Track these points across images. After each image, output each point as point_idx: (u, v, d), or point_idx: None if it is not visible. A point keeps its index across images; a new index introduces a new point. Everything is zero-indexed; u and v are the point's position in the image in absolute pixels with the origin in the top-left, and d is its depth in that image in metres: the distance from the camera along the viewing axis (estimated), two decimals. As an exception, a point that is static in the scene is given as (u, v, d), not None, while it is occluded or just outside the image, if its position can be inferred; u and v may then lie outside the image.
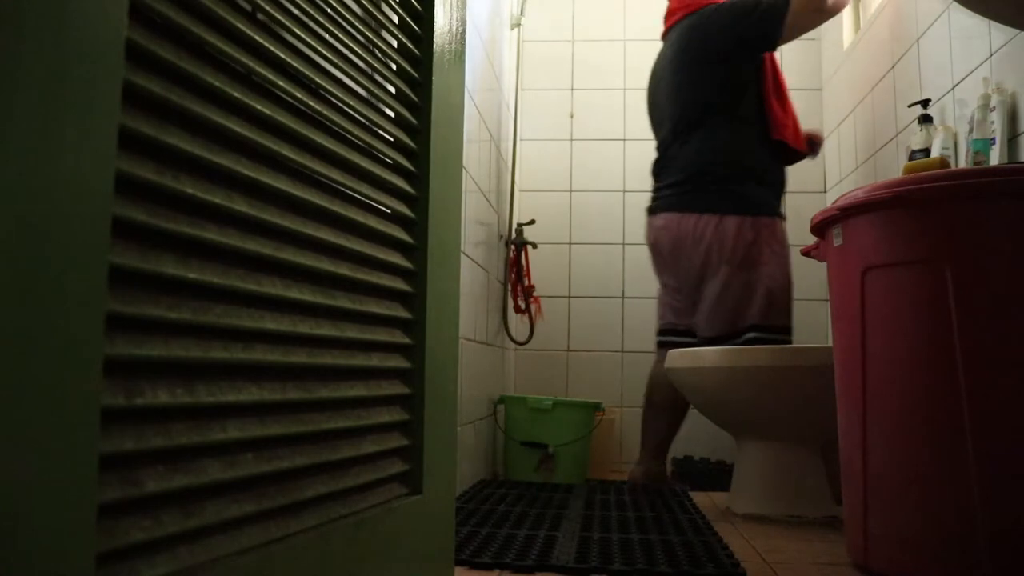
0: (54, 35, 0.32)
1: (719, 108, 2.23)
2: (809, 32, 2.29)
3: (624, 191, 3.06)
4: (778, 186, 2.30)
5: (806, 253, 1.52)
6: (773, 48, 2.24)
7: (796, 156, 2.33)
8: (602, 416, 2.61)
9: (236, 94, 0.47)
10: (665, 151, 2.35)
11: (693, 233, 2.20)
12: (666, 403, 2.29)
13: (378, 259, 0.68)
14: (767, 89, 2.26)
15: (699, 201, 2.22)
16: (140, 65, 0.40)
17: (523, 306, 2.83)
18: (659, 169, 2.37)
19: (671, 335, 2.31)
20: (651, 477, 2.28)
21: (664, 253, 2.30)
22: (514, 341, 2.76)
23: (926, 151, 1.91)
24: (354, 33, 0.64)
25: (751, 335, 2.12)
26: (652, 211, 2.34)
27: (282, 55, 0.53)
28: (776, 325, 2.15)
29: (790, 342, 2.18)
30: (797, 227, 2.98)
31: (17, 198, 0.30)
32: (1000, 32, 1.66)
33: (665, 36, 2.42)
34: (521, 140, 3.08)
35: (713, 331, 2.18)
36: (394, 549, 0.68)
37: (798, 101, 3.06)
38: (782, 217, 2.27)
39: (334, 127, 0.62)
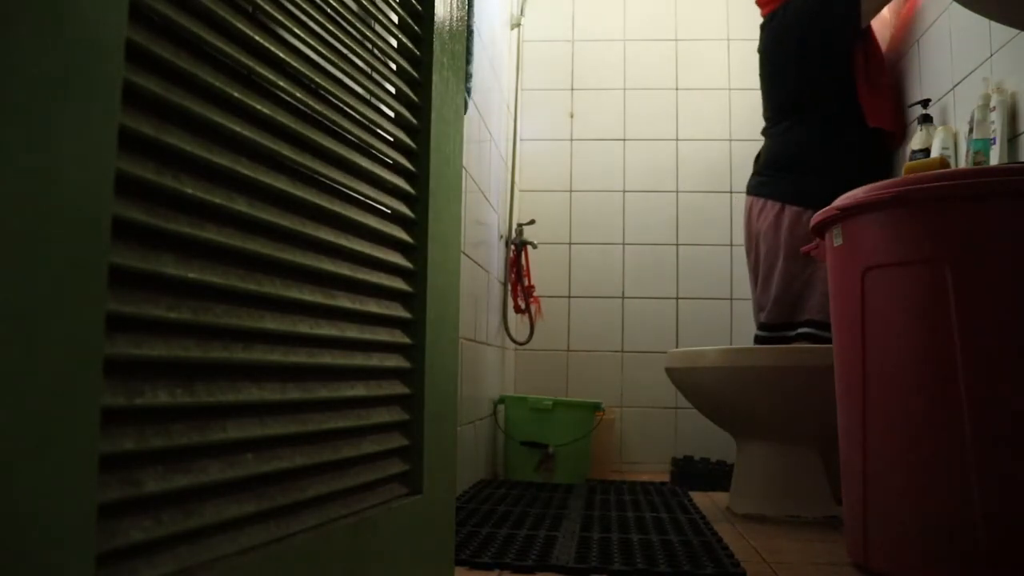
0: (54, 35, 0.32)
1: (809, 98, 2.21)
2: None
3: (624, 191, 3.06)
4: (866, 178, 2.26)
5: (806, 253, 1.52)
6: (860, 25, 2.17)
7: (895, 141, 2.26)
8: (602, 416, 2.61)
9: (236, 94, 0.47)
10: (764, 135, 2.37)
11: (758, 218, 2.25)
12: None
13: (378, 259, 0.68)
14: (858, 76, 2.20)
15: (768, 187, 2.24)
16: (140, 65, 0.40)
17: (523, 306, 2.83)
18: (756, 154, 2.40)
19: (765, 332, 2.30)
20: None
21: (747, 236, 2.34)
22: (514, 341, 2.76)
23: (926, 151, 1.91)
24: (354, 33, 0.64)
25: (805, 330, 2.11)
26: (746, 194, 2.38)
27: (282, 55, 0.53)
28: (829, 324, 2.14)
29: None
30: (797, 227, 2.98)
31: (17, 198, 0.30)
32: (1000, 32, 1.66)
33: (767, 18, 2.37)
34: (521, 140, 3.08)
35: (770, 319, 2.19)
36: (394, 549, 0.68)
37: (798, 101, 3.06)
38: None
39: (334, 127, 0.62)
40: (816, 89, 2.21)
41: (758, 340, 2.25)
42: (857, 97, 2.19)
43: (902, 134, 2.22)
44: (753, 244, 2.30)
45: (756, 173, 2.33)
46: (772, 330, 2.19)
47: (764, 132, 2.37)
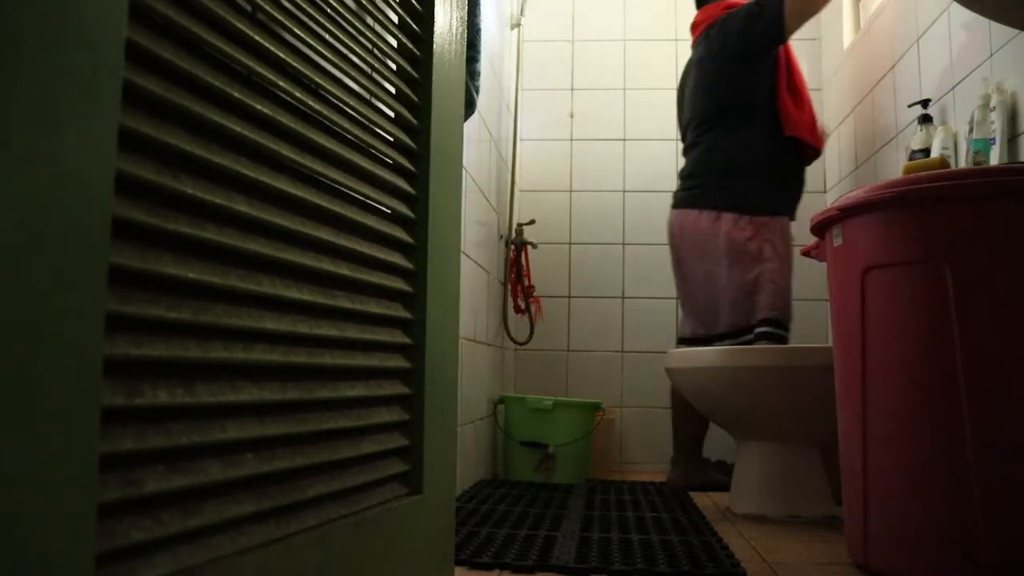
0: (54, 35, 0.32)
1: (731, 109, 2.28)
2: (812, 22, 2.30)
3: (624, 191, 3.06)
4: (791, 185, 2.33)
5: (806, 253, 1.52)
6: (783, 41, 2.26)
7: (814, 153, 2.34)
8: (602, 416, 2.61)
9: (236, 94, 0.47)
10: (685, 152, 2.43)
11: (693, 229, 2.27)
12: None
13: (378, 259, 0.68)
14: (780, 87, 2.29)
15: (701, 198, 2.27)
16: (140, 65, 0.40)
17: (523, 306, 2.83)
18: (681, 170, 2.44)
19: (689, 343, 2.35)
20: (689, 479, 2.29)
21: (673, 249, 2.36)
22: (514, 341, 2.76)
23: (926, 151, 1.91)
24: (354, 33, 0.64)
25: (764, 329, 2.14)
26: (672, 208, 2.41)
27: (282, 55, 0.53)
28: (783, 321, 2.18)
29: (788, 341, 2.19)
30: (797, 227, 2.98)
31: (17, 198, 0.30)
32: (1000, 32, 1.66)
33: (693, 46, 2.48)
34: (521, 140, 3.08)
35: (727, 327, 2.22)
36: (394, 549, 0.68)
37: (798, 101, 3.06)
38: (789, 216, 2.29)
39: (334, 127, 0.62)
40: (743, 100, 2.28)
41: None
42: (780, 109, 2.27)
43: (820, 148, 2.32)
44: (688, 254, 2.32)
45: (685, 187, 2.35)
46: (732, 337, 2.22)
47: (688, 146, 2.41)
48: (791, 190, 2.32)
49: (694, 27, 2.48)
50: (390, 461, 0.70)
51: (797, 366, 1.75)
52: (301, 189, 0.55)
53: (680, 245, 2.34)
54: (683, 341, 2.33)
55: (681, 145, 2.50)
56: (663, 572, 1.22)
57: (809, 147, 2.31)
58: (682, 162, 2.46)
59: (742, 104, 2.28)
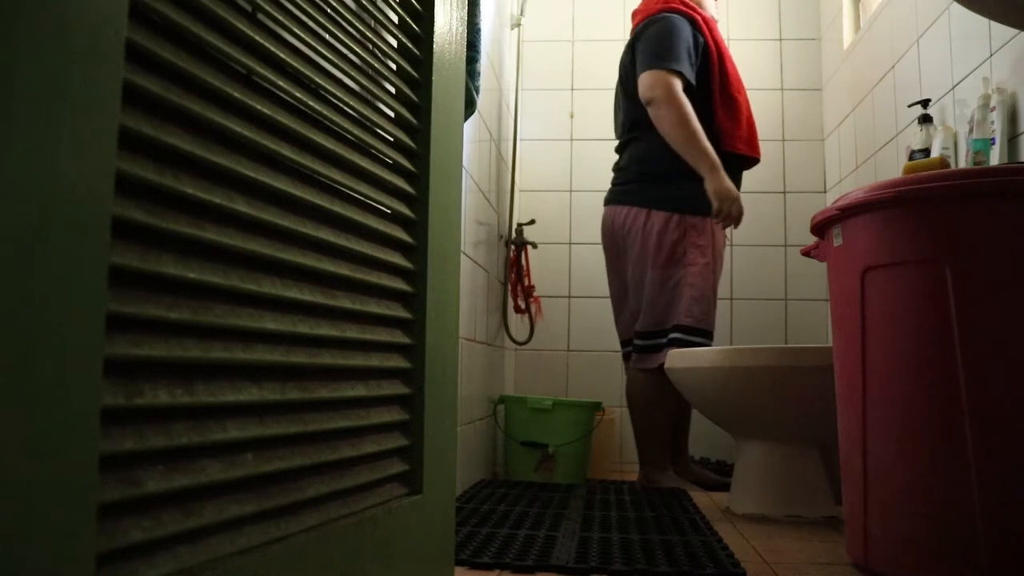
0: (54, 35, 0.32)
1: None
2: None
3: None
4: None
5: (806, 253, 1.52)
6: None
7: (751, 162, 2.35)
8: (602, 416, 2.61)
9: (236, 94, 0.47)
10: (619, 149, 2.42)
11: (623, 225, 2.27)
12: (649, 406, 2.29)
13: (378, 259, 0.68)
14: (714, 98, 2.27)
15: (632, 195, 2.27)
16: (140, 65, 0.40)
17: (523, 306, 2.83)
18: (615, 165, 2.44)
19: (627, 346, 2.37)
20: (654, 480, 2.30)
21: (605, 247, 2.38)
22: (514, 341, 2.76)
23: (926, 151, 1.91)
24: (354, 33, 0.64)
25: (675, 335, 2.15)
26: (604, 204, 2.42)
27: (282, 55, 0.53)
28: (699, 328, 2.17)
29: (710, 345, 2.19)
30: (797, 227, 2.98)
31: (17, 198, 0.30)
32: (1000, 32, 1.66)
33: (636, 32, 2.45)
34: (521, 140, 3.08)
35: (643, 327, 2.22)
36: (394, 549, 0.68)
37: (798, 101, 3.06)
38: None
39: (334, 127, 0.62)
40: None
41: (637, 349, 2.26)
42: (713, 123, 2.25)
43: (757, 157, 2.32)
44: (620, 252, 2.32)
45: (618, 183, 2.35)
46: (646, 338, 2.22)
47: (622, 143, 2.39)
48: None
49: (632, 15, 2.46)
50: (390, 461, 0.70)
51: (797, 366, 1.75)
52: (301, 189, 0.55)
53: (609, 244, 2.35)
54: (639, 336, 2.28)
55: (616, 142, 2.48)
56: (663, 572, 1.22)
57: (745, 158, 2.31)
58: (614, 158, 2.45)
59: None
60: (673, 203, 2.21)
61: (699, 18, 2.31)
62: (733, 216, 2.16)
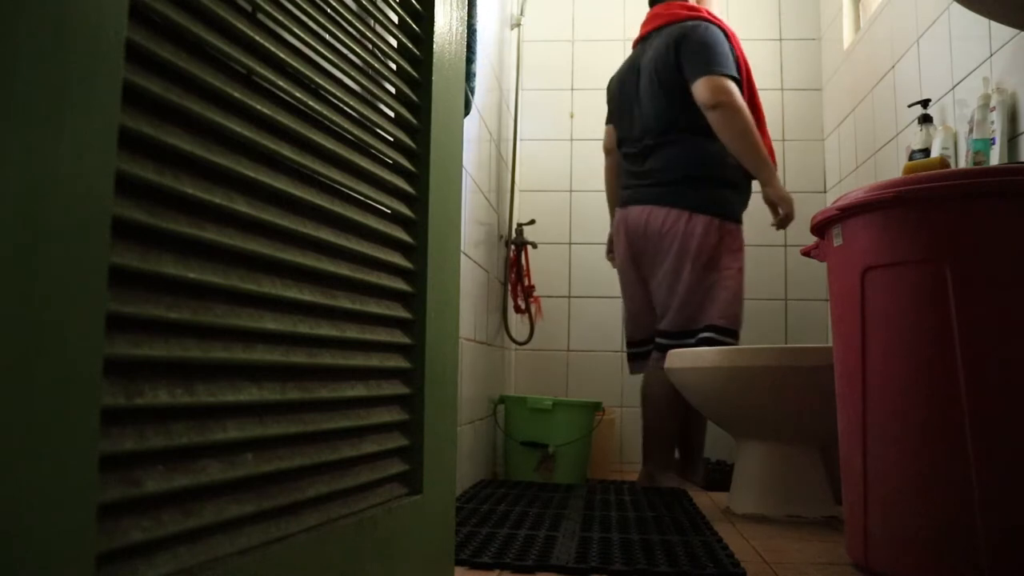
0: (54, 35, 0.32)
1: (700, 116, 2.28)
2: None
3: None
4: (746, 195, 2.39)
5: (806, 253, 1.52)
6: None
7: None
8: (602, 416, 2.61)
9: (236, 94, 0.47)
10: (645, 152, 2.39)
11: (662, 226, 2.28)
12: (666, 406, 2.31)
13: (378, 259, 0.68)
14: (756, 107, 2.33)
15: (674, 197, 2.28)
16: (140, 65, 0.40)
17: (523, 306, 2.83)
18: (638, 165, 2.40)
19: (637, 346, 2.38)
20: (656, 480, 2.30)
21: (630, 244, 2.36)
22: (514, 341, 2.76)
23: (926, 151, 1.91)
24: (354, 33, 0.64)
25: (707, 335, 2.19)
26: (625, 203, 2.40)
27: (282, 55, 0.53)
28: (730, 329, 2.22)
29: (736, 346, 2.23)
30: (797, 227, 2.98)
31: (17, 198, 0.30)
32: (1000, 32, 1.66)
33: (644, 37, 2.47)
34: (521, 140, 3.08)
35: (672, 326, 2.24)
36: (394, 549, 0.68)
37: (798, 101, 3.07)
38: (741, 224, 2.36)
39: (334, 127, 0.62)
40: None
41: (661, 348, 2.29)
42: None
43: (775, 164, 2.34)
44: (651, 251, 2.32)
45: (652, 184, 2.34)
46: (673, 337, 2.25)
47: (652, 144, 2.37)
48: (745, 200, 2.38)
49: (648, 22, 2.45)
50: (390, 461, 0.70)
51: (797, 366, 1.75)
52: (301, 189, 0.55)
53: (638, 242, 2.34)
54: (664, 335, 2.30)
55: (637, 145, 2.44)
56: (663, 572, 1.22)
57: None
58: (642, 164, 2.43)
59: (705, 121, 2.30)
60: (713, 208, 2.25)
61: (729, 31, 2.35)
62: (791, 219, 2.23)
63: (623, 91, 2.47)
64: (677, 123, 2.30)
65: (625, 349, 2.49)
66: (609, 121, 2.59)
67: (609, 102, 2.56)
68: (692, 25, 2.30)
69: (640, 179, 2.38)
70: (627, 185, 2.42)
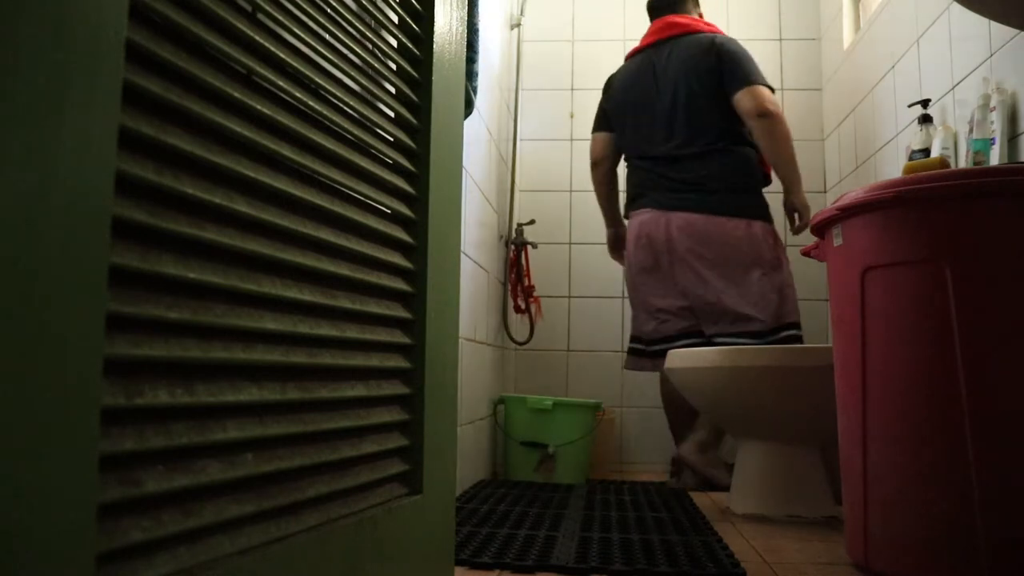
0: (54, 35, 0.32)
1: (742, 127, 2.36)
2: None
3: (624, 191, 3.06)
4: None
5: (806, 253, 1.52)
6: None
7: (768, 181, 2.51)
8: (602, 416, 2.61)
9: (236, 94, 0.47)
10: (694, 157, 2.38)
11: (723, 233, 2.32)
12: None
13: (378, 259, 0.68)
14: None
15: (726, 205, 2.33)
16: (140, 65, 0.40)
17: (523, 306, 2.83)
18: (675, 172, 2.40)
19: (682, 339, 2.38)
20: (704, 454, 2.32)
21: (674, 249, 2.35)
22: (514, 341, 2.76)
23: (926, 151, 1.91)
24: (354, 33, 0.64)
25: (791, 332, 2.29)
26: (670, 207, 2.38)
27: (282, 55, 0.53)
28: (799, 323, 2.35)
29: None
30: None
31: (17, 198, 0.30)
32: (1000, 32, 1.66)
33: (652, 44, 2.48)
34: (521, 140, 3.08)
35: (764, 326, 2.30)
36: (394, 549, 0.68)
37: (798, 101, 3.06)
38: None
39: (334, 127, 0.62)
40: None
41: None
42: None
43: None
44: (708, 257, 2.34)
45: (707, 192, 2.35)
46: (756, 337, 2.31)
47: (699, 152, 2.38)
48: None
49: (661, 30, 2.46)
50: (390, 461, 0.70)
51: (797, 366, 1.75)
52: (301, 189, 0.55)
53: (691, 247, 2.34)
54: (755, 336, 2.33)
55: (666, 144, 2.43)
56: (663, 572, 1.22)
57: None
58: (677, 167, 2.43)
59: (744, 129, 2.38)
60: (764, 213, 2.35)
61: None
62: (808, 226, 2.29)
63: (635, 97, 2.46)
64: (727, 132, 2.36)
65: (633, 346, 2.47)
66: (603, 128, 2.57)
67: (609, 108, 2.54)
68: (722, 38, 2.38)
69: (681, 186, 2.38)
70: (656, 187, 2.41)
